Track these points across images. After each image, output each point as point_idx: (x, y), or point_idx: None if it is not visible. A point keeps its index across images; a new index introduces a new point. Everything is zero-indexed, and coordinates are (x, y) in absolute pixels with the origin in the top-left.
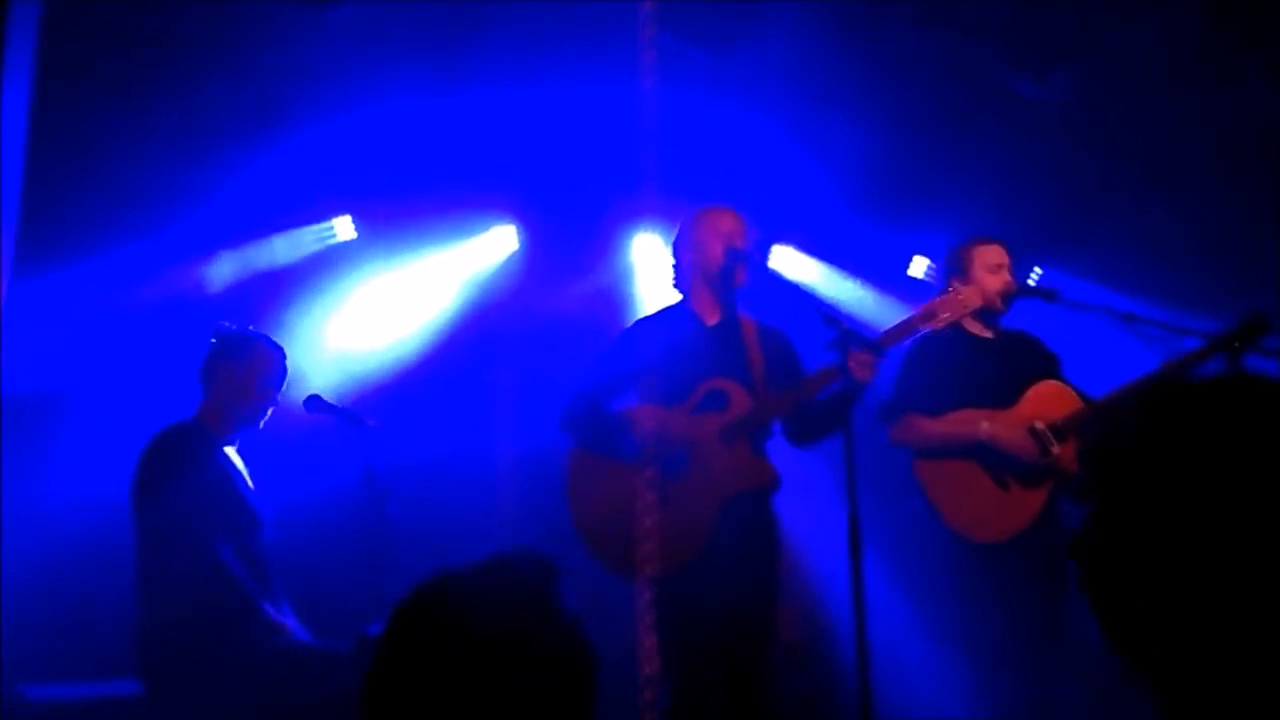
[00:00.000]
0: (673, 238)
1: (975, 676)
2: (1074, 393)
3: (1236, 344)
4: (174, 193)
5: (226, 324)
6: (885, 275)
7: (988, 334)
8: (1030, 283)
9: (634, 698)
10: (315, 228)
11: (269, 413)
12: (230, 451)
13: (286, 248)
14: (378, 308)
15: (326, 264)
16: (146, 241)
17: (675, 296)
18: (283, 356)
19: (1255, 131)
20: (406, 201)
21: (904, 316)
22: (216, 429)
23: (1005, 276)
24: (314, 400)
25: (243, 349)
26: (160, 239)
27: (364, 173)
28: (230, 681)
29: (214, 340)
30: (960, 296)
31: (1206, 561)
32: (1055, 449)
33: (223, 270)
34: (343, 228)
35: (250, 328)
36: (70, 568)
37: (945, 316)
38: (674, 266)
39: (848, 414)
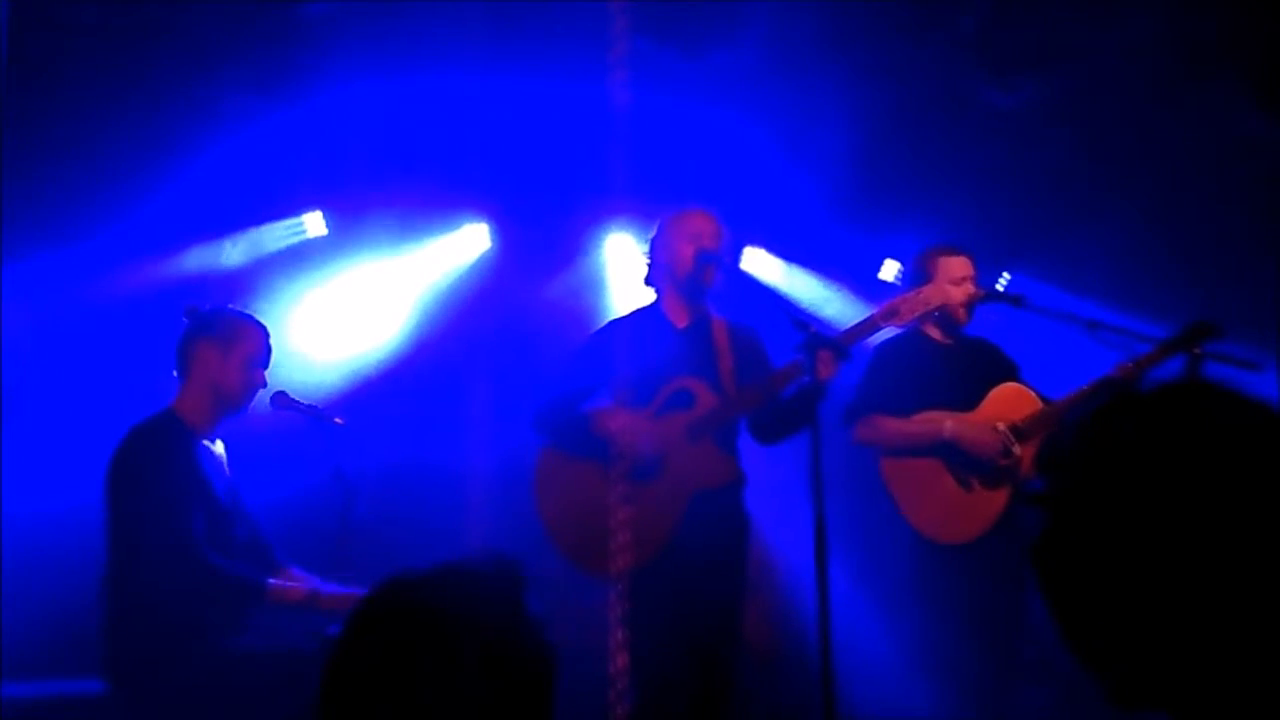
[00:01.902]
0: (649, 237)
1: (941, 676)
2: (1034, 394)
3: (1195, 349)
4: (140, 186)
5: (201, 303)
6: (856, 278)
7: (948, 341)
8: (998, 287)
9: (602, 694)
10: (285, 223)
11: (254, 397)
12: (215, 445)
13: (256, 243)
14: (348, 304)
15: (296, 259)
16: (112, 234)
17: (648, 295)
18: (266, 334)
19: (1220, 140)
20: (378, 198)
21: (866, 314)
22: (195, 421)
23: (968, 288)
24: (280, 397)
25: (221, 326)
26: (126, 233)
27: (335, 169)
28: (193, 682)
29: (188, 319)
30: (922, 295)
31: (1161, 564)
32: (1016, 449)
33: (196, 261)
34: (313, 223)
35: (229, 305)
36: (35, 564)
37: (907, 314)
38: (648, 266)
39: (812, 412)
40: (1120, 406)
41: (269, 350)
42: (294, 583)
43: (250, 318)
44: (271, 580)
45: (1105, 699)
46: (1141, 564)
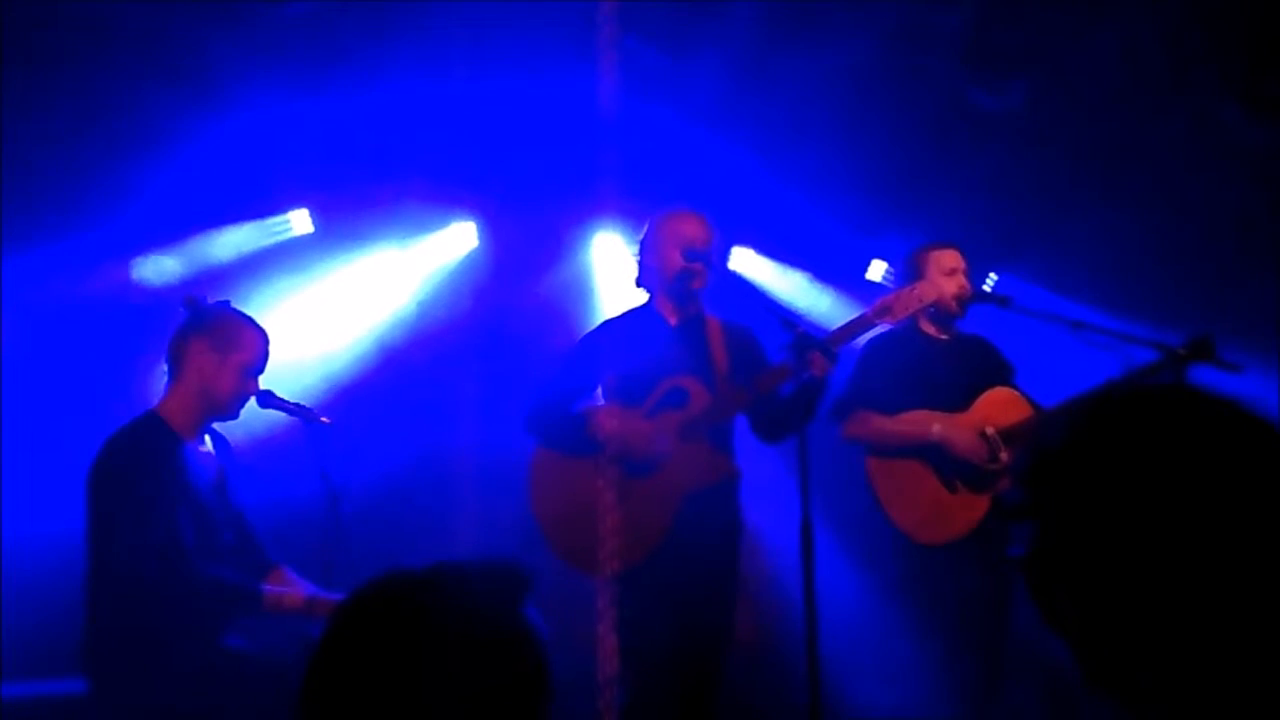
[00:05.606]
0: (639, 238)
1: (928, 675)
2: (1026, 401)
3: (1183, 354)
4: (125, 185)
5: (201, 295)
6: (844, 278)
7: (943, 336)
8: (986, 288)
9: (592, 690)
10: (271, 220)
11: (246, 402)
12: (203, 442)
13: (242, 240)
14: (335, 303)
15: (282, 258)
16: (97, 233)
17: (640, 295)
18: (266, 340)
19: (1207, 142)
20: (365, 196)
21: (858, 313)
22: (180, 424)
23: (960, 280)
24: (267, 396)
25: (220, 328)
26: (115, 231)
27: (322, 166)
28: (174, 683)
29: (186, 310)
30: (915, 292)
31: (1149, 569)
32: (1004, 455)
33: (174, 264)
34: (299, 221)
35: (229, 303)
36: (31, 563)
37: (901, 311)
38: (638, 268)
39: (812, 409)
40: (1097, 411)
41: (267, 357)
42: (288, 588)
43: (251, 321)
44: (266, 587)
45: (1117, 713)
46: (1136, 571)
